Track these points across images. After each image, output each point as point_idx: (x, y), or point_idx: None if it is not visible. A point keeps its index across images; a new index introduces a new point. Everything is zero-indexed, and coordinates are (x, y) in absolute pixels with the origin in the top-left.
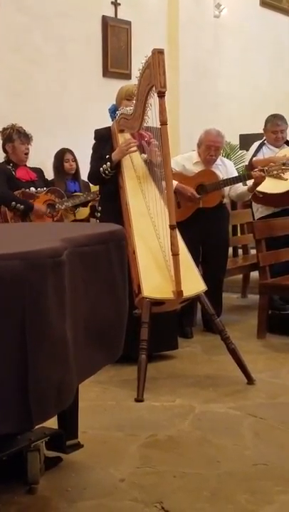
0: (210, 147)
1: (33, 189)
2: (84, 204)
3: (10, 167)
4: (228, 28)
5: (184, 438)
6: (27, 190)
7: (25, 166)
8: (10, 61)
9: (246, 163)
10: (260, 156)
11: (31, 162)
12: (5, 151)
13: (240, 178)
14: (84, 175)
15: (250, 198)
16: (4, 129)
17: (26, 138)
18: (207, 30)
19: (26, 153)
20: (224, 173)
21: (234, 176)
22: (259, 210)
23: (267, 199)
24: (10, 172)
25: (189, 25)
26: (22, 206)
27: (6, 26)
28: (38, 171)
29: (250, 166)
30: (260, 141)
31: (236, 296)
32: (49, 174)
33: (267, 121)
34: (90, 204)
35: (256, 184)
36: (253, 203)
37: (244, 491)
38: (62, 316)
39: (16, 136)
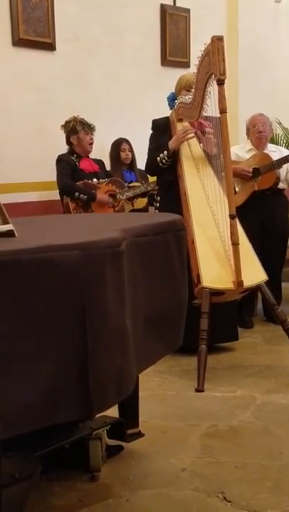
0: (256, 124)
1: (95, 180)
2: (143, 194)
3: (73, 158)
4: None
5: (245, 428)
6: (89, 181)
7: (88, 157)
8: (67, 52)
9: None
10: None
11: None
12: (69, 143)
13: None
14: (140, 164)
15: None
16: (67, 122)
17: (89, 128)
18: (267, 16)
19: (91, 144)
20: None
21: None
22: None
23: None
24: (74, 163)
25: (249, 11)
26: (85, 196)
27: (62, 17)
28: (100, 163)
29: None
30: None
31: None
32: (106, 164)
33: None
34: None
35: None
36: None
37: None
38: (122, 306)
39: (80, 128)
